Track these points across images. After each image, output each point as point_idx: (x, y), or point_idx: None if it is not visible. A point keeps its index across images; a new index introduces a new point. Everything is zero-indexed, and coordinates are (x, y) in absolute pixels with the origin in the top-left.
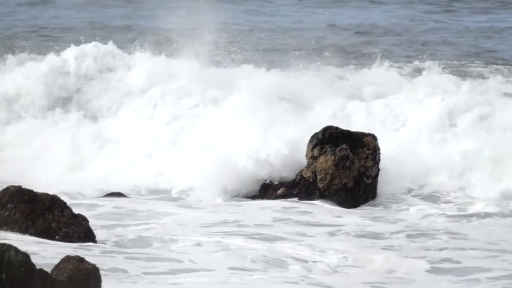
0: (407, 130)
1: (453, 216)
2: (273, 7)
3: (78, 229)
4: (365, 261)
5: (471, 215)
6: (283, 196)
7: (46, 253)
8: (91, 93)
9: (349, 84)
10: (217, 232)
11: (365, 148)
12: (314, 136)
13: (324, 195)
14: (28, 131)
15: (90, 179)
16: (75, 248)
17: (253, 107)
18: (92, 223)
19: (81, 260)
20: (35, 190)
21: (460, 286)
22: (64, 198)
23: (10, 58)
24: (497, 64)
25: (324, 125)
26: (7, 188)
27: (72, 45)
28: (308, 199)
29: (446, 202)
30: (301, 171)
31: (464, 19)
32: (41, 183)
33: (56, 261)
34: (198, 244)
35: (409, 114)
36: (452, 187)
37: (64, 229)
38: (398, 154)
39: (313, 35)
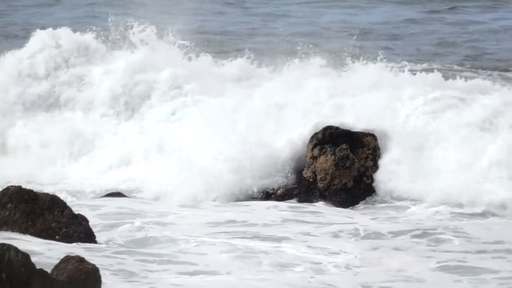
0: None
1: (459, 215)
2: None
3: (78, 229)
4: (371, 261)
5: (478, 215)
6: (283, 196)
7: (46, 253)
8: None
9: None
10: (219, 232)
11: (365, 148)
12: (314, 136)
13: (324, 195)
14: None
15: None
16: (75, 248)
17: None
18: (92, 223)
19: (81, 260)
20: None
21: (468, 286)
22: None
23: None
24: None
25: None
26: (7, 188)
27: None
28: (308, 199)
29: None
30: (301, 171)
31: None
32: None
33: (56, 261)
34: (201, 244)
35: None
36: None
37: (64, 229)
38: None
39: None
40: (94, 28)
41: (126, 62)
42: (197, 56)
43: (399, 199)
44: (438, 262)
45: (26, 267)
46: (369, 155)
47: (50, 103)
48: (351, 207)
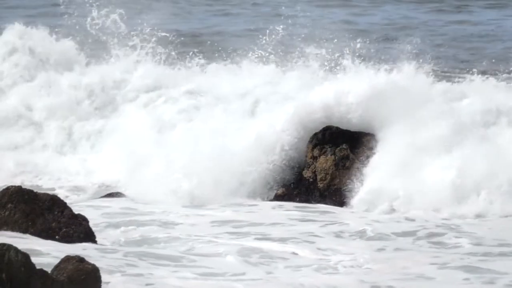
0: None
1: (462, 215)
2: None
3: (78, 229)
4: (375, 261)
5: (484, 215)
6: (283, 196)
7: (46, 253)
8: None
9: None
10: (223, 233)
11: (365, 148)
12: (314, 136)
13: (324, 195)
14: None
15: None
16: (75, 248)
17: None
18: (93, 223)
19: (81, 260)
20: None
21: (477, 285)
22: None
23: None
24: None
25: None
26: (7, 188)
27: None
28: (308, 199)
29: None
30: (301, 171)
31: None
32: None
33: (56, 261)
34: (205, 244)
35: None
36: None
37: (64, 229)
38: None
39: None
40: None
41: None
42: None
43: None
44: (442, 263)
45: (26, 267)
46: (369, 155)
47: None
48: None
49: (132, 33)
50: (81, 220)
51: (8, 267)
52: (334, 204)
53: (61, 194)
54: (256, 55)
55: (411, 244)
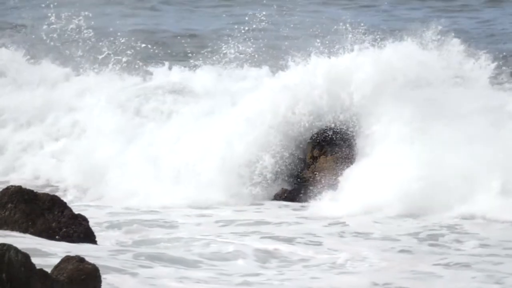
0: None
1: (466, 216)
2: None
3: (78, 229)
4: (383, 260)
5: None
6: (283, 196)
7: (46, 253)
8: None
9: None
10: (227, 233)
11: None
12: (315, 136)
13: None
14: None
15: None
16: (75, 248)
17: None
18: (93, 223)
19: (81, 260)
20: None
21: (484, 284)
22: None
23: None
24: None
25: None
26: (7, 188)
27: None
28: (308, 199)
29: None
30: (301, 171)
31: None
32: None
33: (56, 261)
34: (208, 244)
35: None
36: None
37: (64, 229)
38: None
39: None
40: None
41: None
42: None
43: None
44: (446, 263)
45: (26, 267)
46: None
47: None
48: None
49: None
50: (81, 220)
51: (8, 267)
52: (334, 204)
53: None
54: None
55: (417, 243)
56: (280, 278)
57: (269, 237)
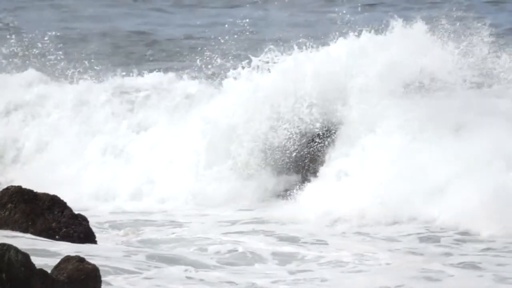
0: None
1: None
2: None
3: (78, 229)
4: (384, 261)
5: None
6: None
7: (46, 253)
8: None
9: None
10: (229, 233)
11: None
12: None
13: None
14: None
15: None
16: (75, 248)
17: None
18: (93, 222)
19: (81, 260)
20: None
21: (491, 282)
22: None
23: None
24: None
25: None
26: (7, 188)
27: None
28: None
29: None
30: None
31: None
32: None
33: (56, 261)
34: (210, 244)
35: None
36: None
37: (64, 229)
38: None
39: None
40: None
41: None
42: None
43: None
44: (450, 263)
45: (26, 267)
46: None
47: None
48: None
49: None
50: (81, 220)
51: (8, 267)
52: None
53: None
54: None
55: (421, 243)
56: (293, 278)
57: (280, 237)
